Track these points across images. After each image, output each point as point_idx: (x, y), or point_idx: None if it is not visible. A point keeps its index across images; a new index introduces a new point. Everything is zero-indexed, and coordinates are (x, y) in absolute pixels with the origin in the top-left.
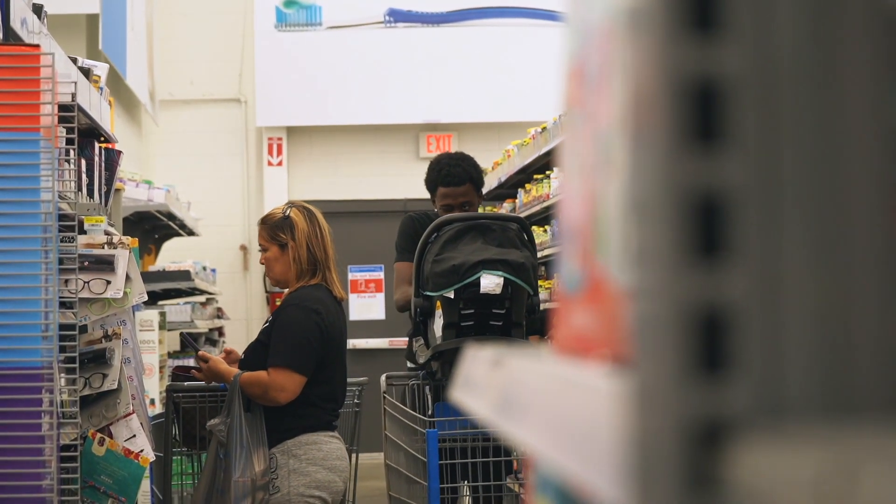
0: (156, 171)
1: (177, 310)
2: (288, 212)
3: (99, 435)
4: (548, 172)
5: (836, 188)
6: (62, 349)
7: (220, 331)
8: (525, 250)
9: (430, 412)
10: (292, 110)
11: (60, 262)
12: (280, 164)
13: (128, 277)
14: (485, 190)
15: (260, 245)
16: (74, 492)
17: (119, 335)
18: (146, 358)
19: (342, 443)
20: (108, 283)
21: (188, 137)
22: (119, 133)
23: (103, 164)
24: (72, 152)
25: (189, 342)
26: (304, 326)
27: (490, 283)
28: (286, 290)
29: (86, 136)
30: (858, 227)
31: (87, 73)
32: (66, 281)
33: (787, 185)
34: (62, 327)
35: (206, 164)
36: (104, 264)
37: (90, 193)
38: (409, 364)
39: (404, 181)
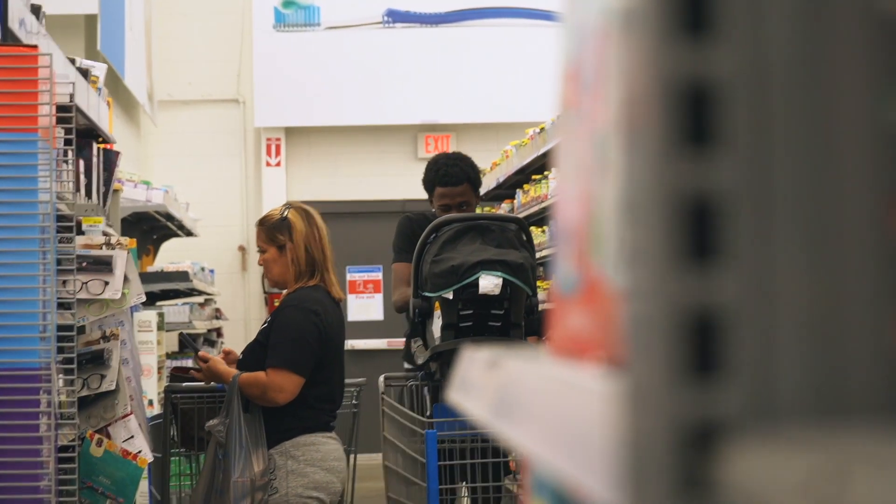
0: (154, 171)
1: (175, 310)
2: (286, 213)
3: (97, 436)
4: (546, 173)
5: (828, 191)
6: (60, 350)
7: (219, 331)
8: (524, 251)
9: (428, 413)
10: (291, 111)
11: (58, 262)
12: (278, 164)
13: (126, 278)
14: (483, 190)
15: (258, 246)
16: (72, 492)
17: (117, 336)
18: (144, 359)
19: (340, 443)
20: (107, 283)
21: (186, 138)
22: (117, 133)
23: (101, 165)
24: (70, 153)
25: (188, 342)
26: (303, 327)
27: (489, 283)
28: (284, 291)
29: (84, 136)
30: (850, 230)
31: (85, 73)
32: (64, 282)
33: (779, 187)
34: (60, 328)
35: (205, 164)
36: (102, 265)
37: (88, 194)
38: (406, 365)
39: (403, 181)
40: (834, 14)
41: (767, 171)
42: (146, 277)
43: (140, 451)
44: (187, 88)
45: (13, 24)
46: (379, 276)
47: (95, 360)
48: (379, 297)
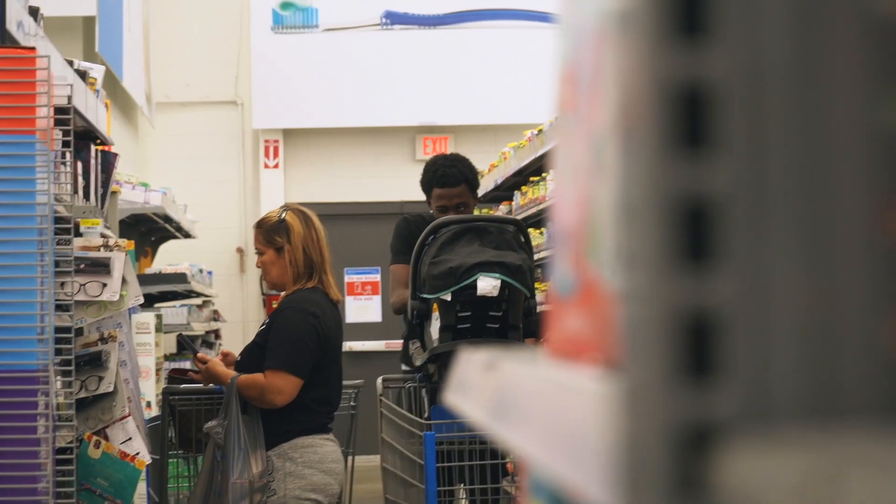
0: (152, 173)
1: (173, 312)
2: (283, 215)
3: (95, 438)
4: (544, 175)
5: (823, 193)
6: (58, 352)
7: (217, 333)
8: (522, 252)
9: (426, 415)
10: (289, 113)
11: (56, 264)
12: (276, 166)
13: (124, 280)
14: (481, 192)
15: (256, 249)
16: (70, 495)
17: (115, 338)
18: (142, 360)
19: (337, 445)
20: (104, 285)
21: (185, 140)
22: (115, 135)
23: (99, 167)
24: (68, 155)
25: (187, 344)
26: (302, 329)
27: (487, 285)
28: (282, 293)
29: (82, 138)
30: (845, 233)
31: (83, 75)
32: (62, 283)
33: (774, 190)
34: (58, 330)
35: (203, 166)
36: (100, 267)
37: (86, 196)
38: (403, 367)
39: (401, 183)
40: (829, 16)
41: (763, 174)
42: (144, 279)
43: (138, 453)
44: (185, 90)
45: (11, 26)
46: (377, 277)
47: (93, 362)
48: (377, 299)
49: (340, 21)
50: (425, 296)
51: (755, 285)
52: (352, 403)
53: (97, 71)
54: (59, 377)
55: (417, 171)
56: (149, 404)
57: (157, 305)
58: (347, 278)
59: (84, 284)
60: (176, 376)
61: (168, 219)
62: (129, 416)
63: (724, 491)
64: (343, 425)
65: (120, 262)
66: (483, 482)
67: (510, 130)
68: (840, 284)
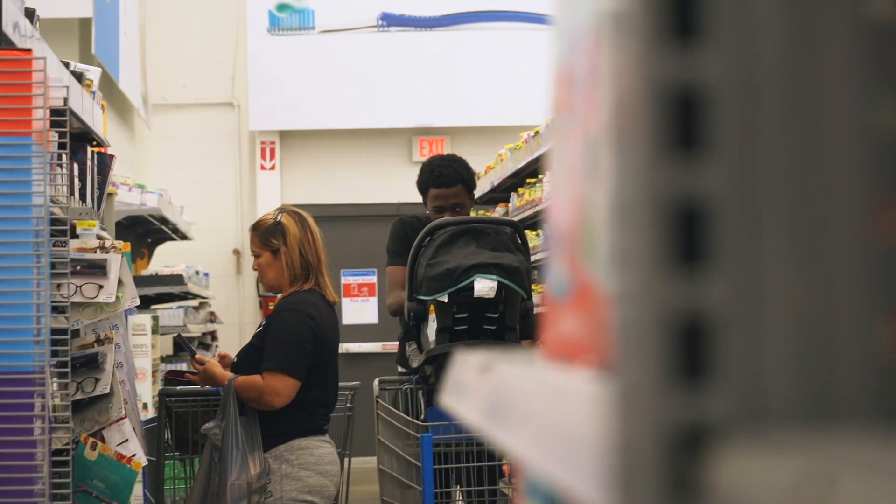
0: (149, 175)
1: (170, 314)
2: (279, 217)
3: (91, 439)
4: (540, 176)
5: (816, 196)
6: (54, 354)
7: (213, 335)
8: (519, 254)
9: (422, 416)
10: (285, 114)
11: (52, 266)
12: (273, 168)
13: (120, 282)
14: (478, 194)
15: (252, 251)
16: (66, 496)
17: (111, 339)
18: (139, 362)
19: (333, 447)
20: (101, 287)
21: (181, 141)
22: (112, 137)
23: (96, 169)
24: (64, 156)
25: (185, 345)
26: (300, 331)
27: (484, 287)
28: (279, 295)
29: (78, 140)
30: (839, 235)
31: (79, 77)
32: (59, 285)
33: (767, 192)
34: (54, 332)
35: (199, 168)
36: (96, 269)
37: (82, 198)
38: (399, 368)
39: (397, 185)
40: (821, 19)
41: (755, 176)
42: (140, 281)
43: (134, 455)
44: (182, 92)
45: (7, 27)
46: (373, 279)
47: (90, 364)
48: (373, 301)
49: (337, 23)
50: (422, 297)
51: (748, 287)
52: (348, 405)
53: (93, 73)
54: (55, 379)
55: (414, 173)
56: (145, 406)
57: (153, 307)
58: (344, 280)
59: (80, 286)
60: (172, 378)
61: (164, 220)
62: (125, 417)
63: (717, 493)
64: (339, 427)
65: (116, 263)
66: (480, 484)
67: (507, 132)
68: (833, 286)
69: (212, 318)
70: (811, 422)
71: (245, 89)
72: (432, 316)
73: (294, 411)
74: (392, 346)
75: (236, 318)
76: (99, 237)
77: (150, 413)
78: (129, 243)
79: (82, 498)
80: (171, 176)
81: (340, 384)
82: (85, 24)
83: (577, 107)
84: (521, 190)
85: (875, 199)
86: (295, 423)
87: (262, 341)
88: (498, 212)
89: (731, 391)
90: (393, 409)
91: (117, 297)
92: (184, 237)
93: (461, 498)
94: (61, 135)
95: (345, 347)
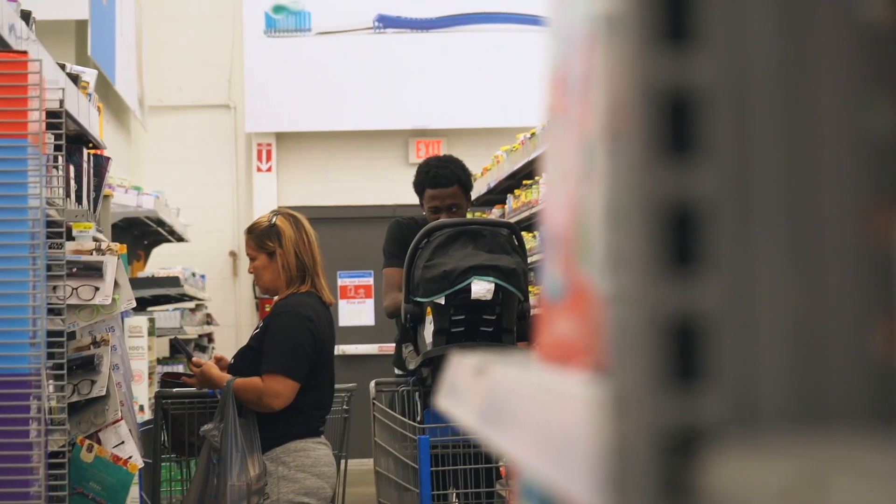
0: (145, 177)
1: (166, 316)
2: (274, 220)
3: (87, 441)
4: (536, 178)
5: (808, 198)
6: (50, 356)
7: (210, 337)
8: (516, 256)
9: (419, 418)
10: (281, 116)
11: (48, 268)
12: (269, 170)
13: (116, 284)
14: (474, 195)
15: (248, 254)
16: (62, 499)
17: (107, 341)
18: (135, 364)
19: (330, 449)
20: (97, 289)
21: (177, 143)
22: (108, 139)
23: (92, 171)
24: (60, 158)
25: (181, 347)
26: (298, 333)
27: (481, 289)
28: (276, 298)
29: (74, 142)
30: (831, 237)
31: (75, 79)
32: (55, 287)
33: (759, 195)
34: (50, 334)
35: (196, 170)
36: (92, 270)
37: (78, 200)
38: (396, 371)
39: (394, 187)
40: (814, 22)
41: (748, 179)
42: (137, 283)
43: (131, 457)
44: (178, 94)
45: (3, 29)
46: (370, 281)
47: (86, 366)
48: (370, 303)
49: (333, 25)
50: (419, 299)
51: (741, 290)
52: (345, 407)
53: (89, 75)
54: (51, 381)
55: (410, 175)
56: (141, 408)
57: (149, 309)
58: (340, 282)
59: (76, 288)
60: (169, 380)
61: (161, 222)
62: (121, 419)
63: (710, 495)
64: (336, 429)
65: (112, 265)
66: (476, 486)
67: (503, 134)
68: (826, 289)
69: (208, 320)
70: (804, 424)
71: (241, 91)
72: (429, 318)
73: (291, 413)
74: (389, 348)
75: (233, 320)
76: (95, 239)
77: (147, 415)
78: (125, 245)
79: (78, 500)
80: (167, 178)
81: (337, 386)
82: (81, 25)
83: (572, 109)
84: (517, 192)
85: (867, 201)
86: (292, 426)
87: (260, 343)
88: (494, 213)
89: (724, 394)
90: (389, 411)
91: (113, 300)
92: (180, 239)
93: (458, 500)
94: (57, 137)
95: (341, 349)
